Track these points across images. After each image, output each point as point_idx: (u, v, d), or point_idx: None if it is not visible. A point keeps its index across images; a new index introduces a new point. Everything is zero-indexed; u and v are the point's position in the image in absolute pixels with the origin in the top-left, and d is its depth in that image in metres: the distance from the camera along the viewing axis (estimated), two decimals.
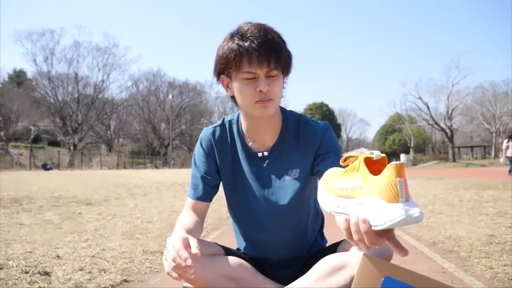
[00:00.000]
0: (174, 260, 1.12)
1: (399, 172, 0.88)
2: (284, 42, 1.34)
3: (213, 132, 1.51)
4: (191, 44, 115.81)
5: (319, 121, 1.49)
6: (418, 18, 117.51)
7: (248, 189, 1.48)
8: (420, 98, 52.57)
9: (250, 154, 1.48)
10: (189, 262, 1.09)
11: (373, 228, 0.89)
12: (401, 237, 3.48)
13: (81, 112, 48.81)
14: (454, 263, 2.52)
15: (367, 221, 0.89)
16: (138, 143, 56.92)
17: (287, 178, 1.44)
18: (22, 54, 61.36)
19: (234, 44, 1.29)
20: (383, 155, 0.96)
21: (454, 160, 48.75)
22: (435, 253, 2.83)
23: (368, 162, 0.96)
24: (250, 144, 1.48)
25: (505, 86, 58.59)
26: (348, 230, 0.93)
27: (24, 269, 2.24)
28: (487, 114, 55.71)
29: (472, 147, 58.30)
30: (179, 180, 13.70)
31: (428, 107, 52.85)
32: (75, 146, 44.48)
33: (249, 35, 1.29)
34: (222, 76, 1.38)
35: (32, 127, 40.88)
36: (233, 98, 1.39)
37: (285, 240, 1.49)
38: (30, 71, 58.62)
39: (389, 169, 0.89)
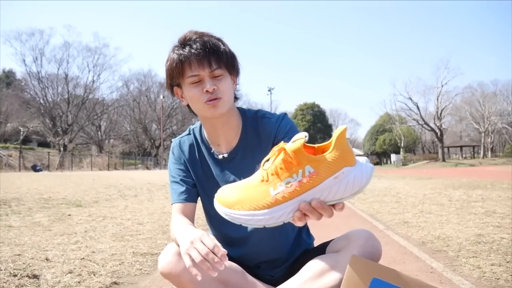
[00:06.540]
0: (206, 256, 1.06)
1: (346, 135, 0.92)
2: (223, 44, 1.38)
3: (180, 143, 1.55)
4: None
5: (276, 113, 1.52)
6: (408, 18, 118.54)
7: None
8: (410, 98, 53.10)
9: (215, 158, 1.50)
10: (225, 259, 1.05)
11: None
12: (391, 237, 3.50)
13: (71, 113, 48.33)
14: (443, 263, 2.55)
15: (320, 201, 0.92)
16: (129, 143, 56.53)
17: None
18: (11, 54, 60.87)
19: (175, 55, 1.35)
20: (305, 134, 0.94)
21: (443, 160, 49.27)
22: (424, 253, 2.86)
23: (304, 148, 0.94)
24: (214, 148, 1.50)
25: (494, 86, 59.63)
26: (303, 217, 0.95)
27: (12, 272, 2.22)
28: (476, 114, 56.38)
29: (461, 146, 58.88)
30: None
31: (418, 107, 53.40)
32: (65, 147, 43.98)
33: (187, 42, 1.34)
34: (174, 88, 1.42)
35: (21, 128, 40.36)
36: (188, 107, 1.43)
37: (263, 236, 1.48)
38: (19, 71, 58.15)
39: (341, 135, 0.90)
